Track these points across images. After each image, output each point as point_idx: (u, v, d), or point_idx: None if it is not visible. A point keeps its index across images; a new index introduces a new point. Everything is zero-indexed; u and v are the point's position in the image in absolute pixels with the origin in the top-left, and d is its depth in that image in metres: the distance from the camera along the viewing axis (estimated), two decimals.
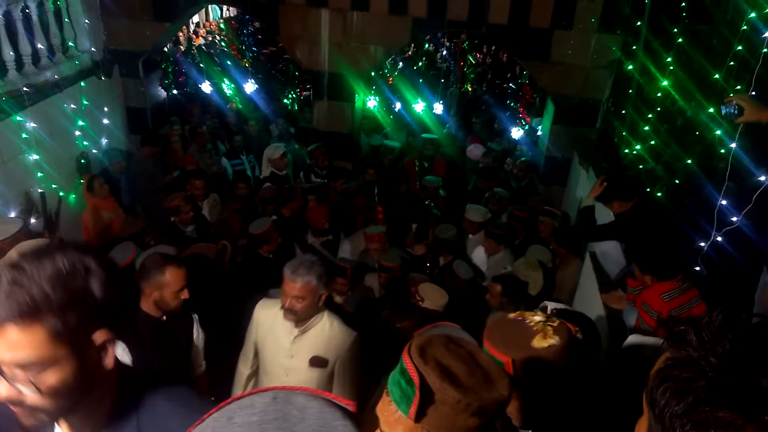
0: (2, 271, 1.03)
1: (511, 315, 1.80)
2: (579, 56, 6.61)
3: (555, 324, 1.70)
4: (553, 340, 1.64)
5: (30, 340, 1.02)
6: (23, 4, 5.76)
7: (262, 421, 0.72)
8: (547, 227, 5.57)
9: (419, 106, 9.01)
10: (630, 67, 5.85)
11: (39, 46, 6.08)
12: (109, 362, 1.15)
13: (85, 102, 6.66)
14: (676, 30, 4.93)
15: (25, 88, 5.70)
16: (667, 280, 3.28)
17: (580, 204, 6.23)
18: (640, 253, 3.47)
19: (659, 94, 5.12)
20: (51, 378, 1.05)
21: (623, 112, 6.24)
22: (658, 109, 5.26)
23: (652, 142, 5.39)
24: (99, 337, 1.11)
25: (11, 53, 5.64)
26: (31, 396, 1.05)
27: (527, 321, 1.72)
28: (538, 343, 1.64)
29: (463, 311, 3.91)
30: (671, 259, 3.33)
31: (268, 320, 2.99)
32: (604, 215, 4.48)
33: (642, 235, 3.63)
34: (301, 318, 2.83)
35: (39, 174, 5.79)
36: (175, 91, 9.38)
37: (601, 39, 6.43)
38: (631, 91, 5.94)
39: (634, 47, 5.77)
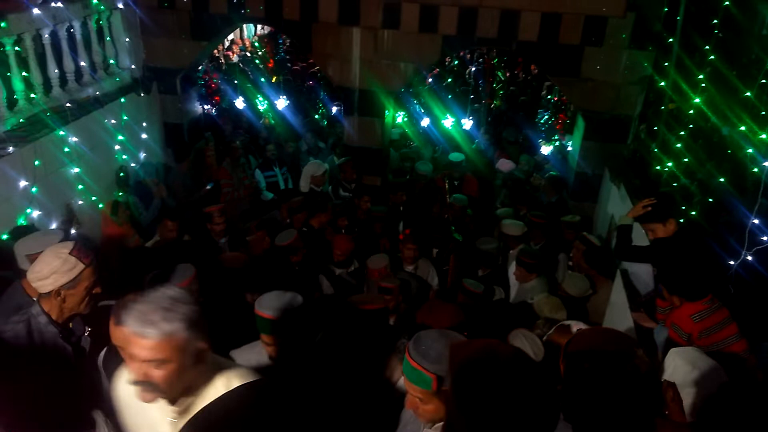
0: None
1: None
2: (610, 72, 6.58)
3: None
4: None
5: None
6: (68, 24, 6.01)
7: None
8: (578, 252, 5.48)
9: (448, 122, 9.07)
10: (662, 83, 5.82)
11: (82, 63, 6.33)
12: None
13: (125, 117, 6.89)
14: (708, 47, 4.90)
15: (68, 104, 5.94)
16: (696, 301, 3.24)
17: (611, 220, 6.22)
18: (669, 274, 3.42)
19: (691, 111, 5.08)
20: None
21: (655, 128, 6.19)
22: (690, 126, 5.22)
23: (685, 160, 5.34)
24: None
25: (56, 71, 5.88)
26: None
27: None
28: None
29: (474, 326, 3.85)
30: (700, 280, 3.28)
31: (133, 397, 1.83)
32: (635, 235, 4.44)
33: (676, 259, 3.55)
34: (170, 394, 1.80)
35: (80, 186, 6.00)
36: (210, 107, 9.62)
37: (632, 55, 6.41)
38: (662, 107, 5.90)
39: (666, 63, 5.74)
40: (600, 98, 6.74)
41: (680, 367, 2.61)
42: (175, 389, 1.80)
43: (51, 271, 2.48)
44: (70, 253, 2.51)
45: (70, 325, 2.67)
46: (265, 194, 7.51)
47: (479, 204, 7.02)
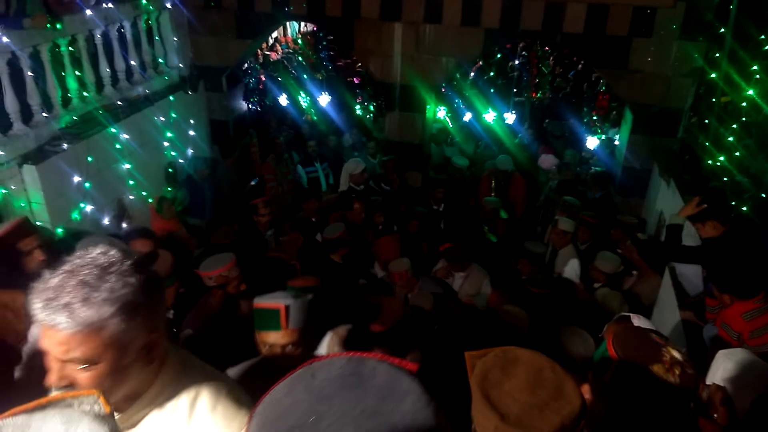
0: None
1: (654, 336, 1.82)
2: (659, 64, 6.39)
3: (686, 370, 1.71)
4: (673, 379, 1.67)
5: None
6: (119, 24, 6.22)
7: (341, 375, 0.82)
8: (628, 251, 5.35)
9: (490, 116, 8.97)
10: (713, 75, 5.61)
11: (132, 62, 6.54)
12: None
13: (174, 115, 7.09)
14: (763, 36, 4.70)
15: (119, 102, 6.15)
16: (747, 299, 3.12)
17: (660, 216, 6.04)
18: (719, 272, 3.31)
19: (744, 104, 4.88)
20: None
21: (706, 121, 5.98)
22: (743, 118, 5.01)
23: (737, 154, 5.14)
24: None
25: (107, 70, 6.10)
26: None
27: (663, 348, 1.75)
28: (657, 369, 1.67)
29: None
30: (751, 278, 3.16)
31: None
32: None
33: (727, 256, 3.42)
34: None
35: (130, 182, 6.21)
36: (254, 105, 9.79)
37: (682, 46, 6.20)
38: (714, 100, 5.69)
39: (718, 55, 5.53)
40: (649, 91, 6.56)
41: (729, 370, 2.53)
42: (113, 398, 1.29)
43: None
44: None
45: None
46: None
47: (525, 202, 6.91)
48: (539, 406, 1.34)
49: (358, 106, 10.51)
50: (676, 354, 1.74)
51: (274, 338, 2.22)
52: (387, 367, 0.85)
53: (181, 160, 7.26)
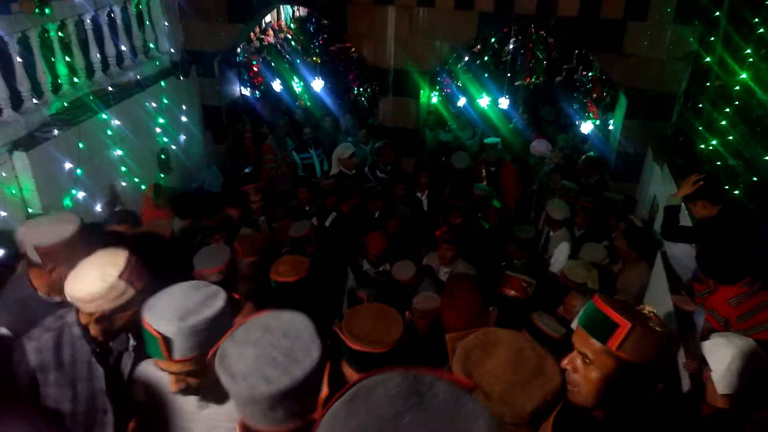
0: None
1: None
2: (654, 48, 6.35)
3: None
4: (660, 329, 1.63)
5: None
6: (108, 9, 6.14)
7: (400, 395, 0.78)
8: (619, 233, 5.35)
9: (484, 101, 8.91)
10: (708, 59, 5.59)
11: (122, 48, 6.47)
12: None
13: (165, 100, 7.04)
14: (757, 20, 4.68)
15: (110, 88, 6.10)
16: (731, 285, 3.14)
17: (653, 201, 6.06)
18: (704, 257, 3.33)
19: (738, 88, 4.87)
20: None
21: (700, 106, 5.97)
22: (737, 102, 5.01)
23: (731, 138, 5.14)
24: None
25: (97, 55, 6.03)
26: None
27: (639, 307, 1.72)
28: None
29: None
30: (734, 263, 3.16)
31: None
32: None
33: (712, 240, 3.46)
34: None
35: (122, 168, 6.17)
36: (247, 90, 9.72)
37: (677, 30, 6.16)
38: (708, 84, 5.68)
39: (713, 38, 5.51)
40: (643, 75, 6.53)
41: (720, 353, 2.55)
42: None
43: (93, 296, 1.99)
44: (119, 277, 2.01)
45: (110, 344, 2.23)
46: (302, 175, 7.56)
47: (518, 190, 6.88)
48: (521, 383, 1.36)
49: (353, 92, 10.45)
50: (650, 308, 1.72)
51: (165, 365, 1.77)
52: (445, 385, 0.81)
53: (173, 147, 7.22)
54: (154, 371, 1.93)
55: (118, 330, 2.15)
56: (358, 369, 2.05)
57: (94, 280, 1.99)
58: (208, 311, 1.68)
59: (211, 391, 1.82)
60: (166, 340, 1.65)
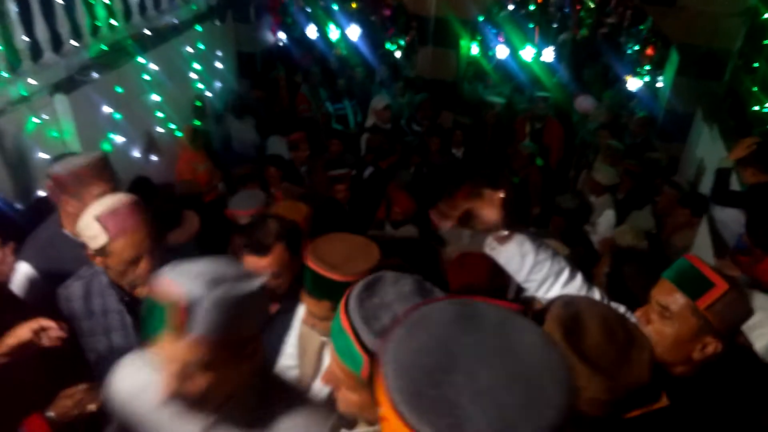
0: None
1: None
2: (709, 2, 6.02)
3: None
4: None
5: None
6: None
7: (455, 318, 0.84)
8: (666, 198, 5.19)
9: (528, 54, 8.57)
10: (766, 15, 5.26)
11: None
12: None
13: (201, 46, 6.94)
14: None
15: (147, 32, 6.01)
16: None
17: (701, 163, 5.84)
18: (754, 224, 3.21)
19: None
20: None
21: (755, 65, 5.67)
22: None
23: None
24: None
25: None
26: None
27: None
28: None
29: None
30: None
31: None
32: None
33: (762, 208, 3.34)
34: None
35: (159, 114, 6.15)
36: (282, 36, 9.53)
37: None
38: (766, 42, 5.37)
39: None
40: (696, 30, 6.21)
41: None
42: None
43: (79, 229, 1.94)
44: (96, 218, 1.87)
45: (135, 292, 2.04)
46: (335, 126, 7.47)
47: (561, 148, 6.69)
48: (624, 355, 1.32)
49: (390, 42, 10.18)
50: None
51: (170, 348, 1.22)
52: (494, 307, 0.87)
53: (208, 93, 7.16)
54: (140, 374, 1.46)
55: (117, 278, 2.02)
56: (319, 299, 1.84)
57: (85, 214, 1.90)
58: (246, 286, 1.27)
59: (237, 417, 1.35)
60: (188, 307, 1.18)
